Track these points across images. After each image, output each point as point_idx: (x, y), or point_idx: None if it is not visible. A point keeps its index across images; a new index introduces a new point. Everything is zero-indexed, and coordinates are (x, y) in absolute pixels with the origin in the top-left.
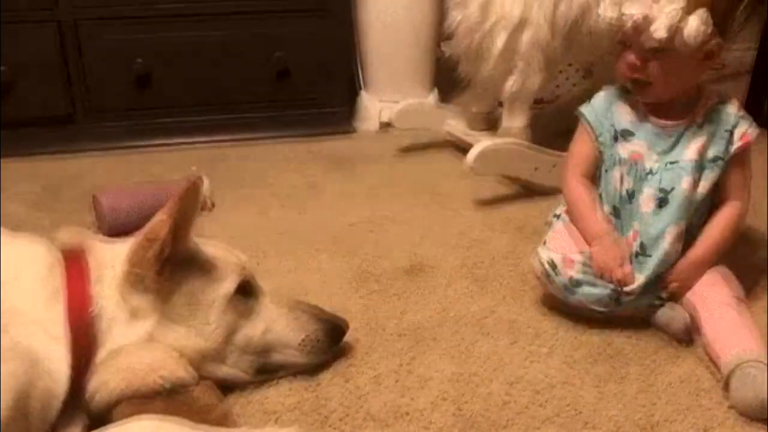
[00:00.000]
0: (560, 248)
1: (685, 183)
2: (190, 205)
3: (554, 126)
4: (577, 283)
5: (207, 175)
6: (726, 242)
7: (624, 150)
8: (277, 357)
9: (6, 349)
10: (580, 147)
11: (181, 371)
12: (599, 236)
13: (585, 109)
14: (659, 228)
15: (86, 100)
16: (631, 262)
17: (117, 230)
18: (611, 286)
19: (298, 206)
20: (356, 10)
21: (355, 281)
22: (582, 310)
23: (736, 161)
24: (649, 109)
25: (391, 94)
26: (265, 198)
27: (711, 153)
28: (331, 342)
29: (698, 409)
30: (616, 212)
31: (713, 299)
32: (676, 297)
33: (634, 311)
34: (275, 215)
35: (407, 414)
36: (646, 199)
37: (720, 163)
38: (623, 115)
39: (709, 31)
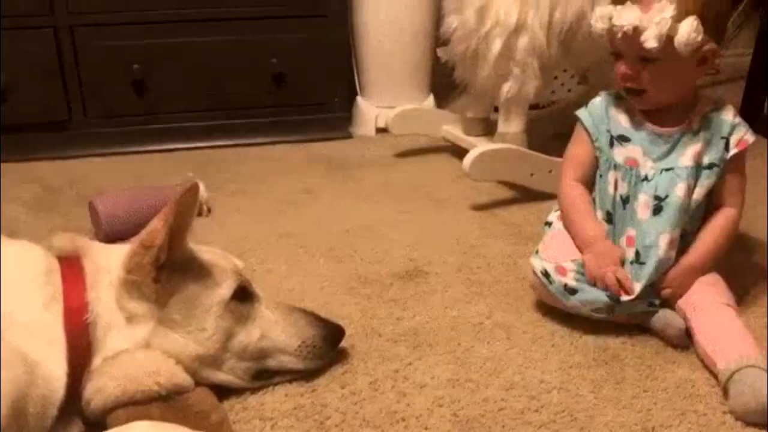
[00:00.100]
0: (552, 257)
1: (680, 190)
2: (186, 211)
3: (550, 131)
4: (573, 291)
5: (203, 180)
6: (720, 249)
7: (619, 155)
8: (274, 363)
9: (3, 356)
10: (577, 150)
11: (177, 377)
12: (591, 242)
13: (582, 113)
14: (653, 235)
15: (83, 105)
16: (623, 265)
17: (113, 236)
18: (607, 292)
19: (295, 211)
20: (353, 15)
21: (351, 286)
22: (579, 313)
23: (731, 168)
24: (645, 114)
25: (388, 99)
26: (262, 203)
27: (706, 159)
28: (327, 347)
29: (694, 414)
30: (609, 217)
31: (704, 306)
32: (669, 303)
33: (629, 317)
34: (271, 220)
35: (403, 419)
36: (641, 206)
37: (715, 169)
38: (620, 120)
39: (700, 38)
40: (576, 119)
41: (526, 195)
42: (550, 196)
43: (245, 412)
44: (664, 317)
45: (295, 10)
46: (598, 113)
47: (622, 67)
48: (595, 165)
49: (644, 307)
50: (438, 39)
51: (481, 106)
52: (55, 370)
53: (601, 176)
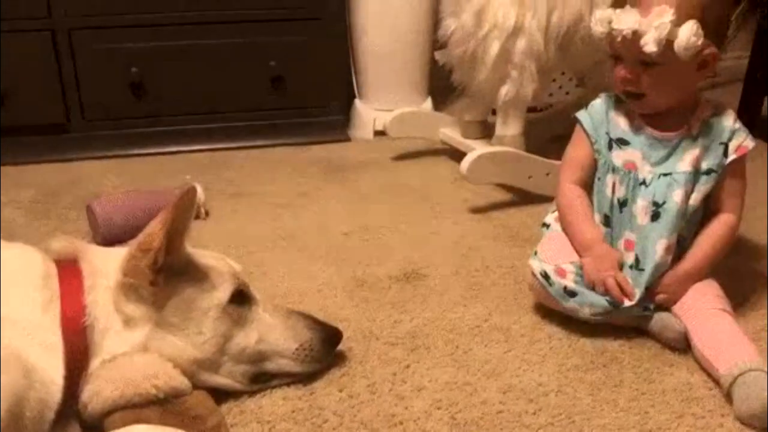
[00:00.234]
0: (551, 259)
1: (677, 196)
2: (184, 214)
3: (548, 134)
4: (572, 293)
5: (201, 183)
6: (717, 256)
7: (618, 158)
8: (271, 366)
9: (1, 359)
10: (576, 152)
11: (174, 380)
12: (590, 246)
13: (582, 115)
14: (651, 242)
15: (81, 108)
16: (621, 269)
17: (111, 239)
18: (606, 297)
19: (293, 214)
20: (351, 18)
21: (349, 289)
22: (577, 316)
23: (730, 173)
24: (644, 118)
25: (386, 102)
26: (260, 206)
27: (705, 165)
28: (325, 351)
29: (692, 417)
30: (606, 221)
31: (701, 311)
32: (663, 308)
33: (626, 320)
34: (269, 223)
35: (401, 423)
36: (640, 212)
37: (713, 175)
38: (619, 123)
39: (700, 42)
40: (574, 122)
41: (523, 198)
42: (547, 199)
43: (243, 415)
44: (662, 320)
45: (293, 14)
46: (598, 115)
47: (621, 71)
48: (594, 167)
49: (640, 311)
50: (436, 42)
51: (478, 109)
52: (52, 373)
53: (599, 179)
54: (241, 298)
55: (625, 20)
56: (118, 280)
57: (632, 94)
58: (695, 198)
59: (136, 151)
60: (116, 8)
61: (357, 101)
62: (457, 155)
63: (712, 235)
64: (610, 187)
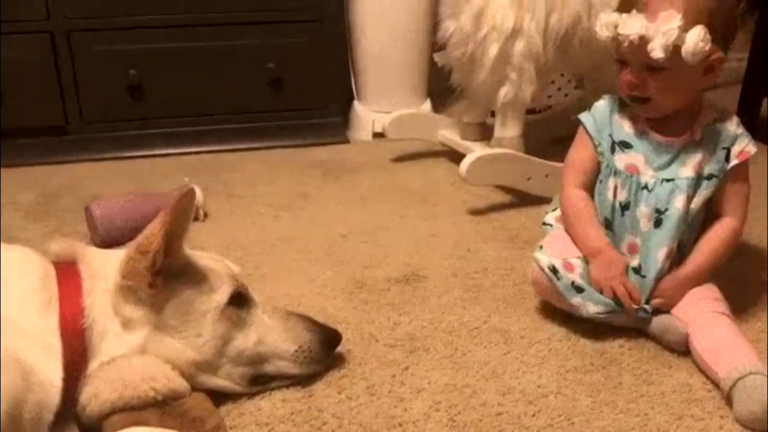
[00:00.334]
0: (559, 253)
1: (679, 202)
2: (182, 216)
3: (547, 136)
4: (580, 288)
5: (200, 185)
6: (718, 260)
7: (620, 161)
8: (270, 368)
9: (0, 362)
10: (579, 155)
11: (173, 382)
12: (596, 252)
13: (585, 117)
14: (653, 249)
15: (80, 110)
16: (626, 273)
17: (110, 241)
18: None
19: (292, 216)
20: (350, 19)
21: (348, 291)
22: (579, 314)
23: (732, 177)
24: (649, 122)
25: (385, 103)
26: (258, 208)
27: (707, 170)
28: (324, 352)
29: (691, 419)
30: (608, 224)
31: (700, 315)
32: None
33: (627, 320)
34: (268, 225)
35: (400, 425)
36: (644, 218)
37: (714, 180)
38: (623, 126)
39: (708, 47)
40: (574, 123)
41: (522, 199)
42: (546, 201)
43: (241, 417)
44: (664, 322)
45: (292, 16)
46: (602, 117)
47: (627, 76)
48: (597, 170)
49: (641, 313)
50: (435, 44)
51: (477, 111)
52: (51, 375)
53: (600, 182)
54: (239, 300)
55: (632, 25)
56: (116, 282)
57: (638, 99)
58: (696, 203)
59: (134, 153)
60: (115, 10)
61: (356, 103)
62: (456, 157)
63: (714, 239)
64: (611, 190)
